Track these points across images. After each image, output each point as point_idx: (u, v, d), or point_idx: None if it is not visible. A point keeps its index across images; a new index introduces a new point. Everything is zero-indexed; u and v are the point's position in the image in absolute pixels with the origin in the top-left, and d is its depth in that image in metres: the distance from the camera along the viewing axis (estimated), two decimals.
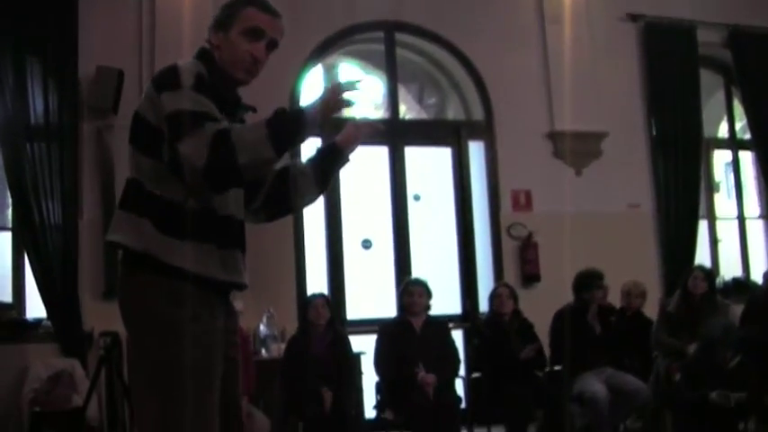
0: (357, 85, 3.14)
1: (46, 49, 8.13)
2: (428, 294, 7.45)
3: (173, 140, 2.99)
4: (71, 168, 8.12)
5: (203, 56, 3.26)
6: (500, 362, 7.36)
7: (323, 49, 9.23)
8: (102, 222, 8.04)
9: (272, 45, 3.31)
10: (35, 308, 8.18)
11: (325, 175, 3.44)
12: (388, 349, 7.15)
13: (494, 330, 7.56)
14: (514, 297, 7.76)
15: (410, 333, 7.28)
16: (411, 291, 7.38)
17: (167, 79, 3.08)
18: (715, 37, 10.73)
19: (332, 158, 3.44)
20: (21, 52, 8.06)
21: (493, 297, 7.81)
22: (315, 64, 9.38)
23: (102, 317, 7.73)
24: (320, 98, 3.10)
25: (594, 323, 7.60)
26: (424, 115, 10.60)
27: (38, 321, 8.09)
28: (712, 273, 8.43)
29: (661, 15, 10.31)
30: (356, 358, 7.53)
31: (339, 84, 3.14)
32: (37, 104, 8.09)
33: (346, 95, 3.12)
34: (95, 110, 8.20)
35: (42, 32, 8.11)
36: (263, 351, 7.70)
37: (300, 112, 3.10)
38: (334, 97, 3.10)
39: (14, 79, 8.01)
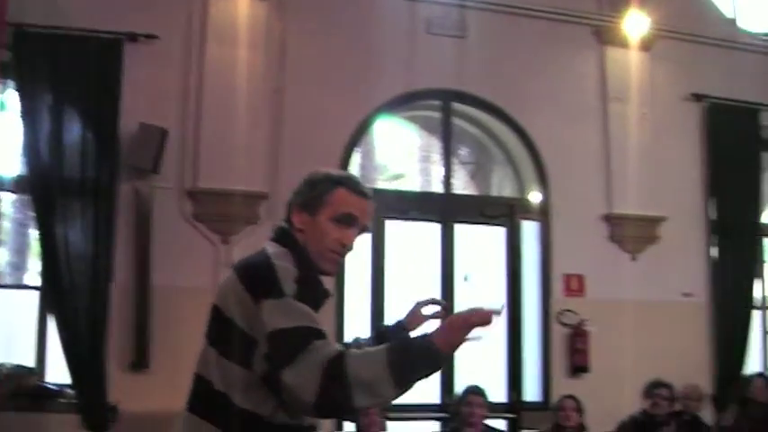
0: (498, 312, 2.61)
1: (86, 101, 7.69)
2: (487, 404, 6.98)
3: (275, 366, 2.58)
4: (105, 229, 7.64)
5: (289, 242, 2.88)
6: None
7: (380, 112, 8.82)
8: (135, 288, 7.62)
9: (363, 230, 2.96)
10: (57, 375, 7.69)
11: (408, 377, 2.55)
12: None
13: None
14: (580, 410, 7.28)
15: None
16: (471, 401, 6.91)
17: (265, 283, 2.68)
18: None
19: (422, 359, 2.54)
20: (59, 102, 7.61)
21: (557, 409, 7.35)
22: (370, 125, 9.00)
23: (129, 390, 7.43)
24: (452, 327, 2.56)
25: None
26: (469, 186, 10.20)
27: (60, 389, 7.60)
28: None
29: (725, 96, 9.89)
30: None
31: (480, 314, 2.56)
32: (73, 158, 7.62)
33: (482, 328, 2.57)
34: (135, 169, 7.72)
35: (83, 83, 7.68)
36: None
37: (429, 347, 2.53)
38: (470, 328, 2.55)
39: (50, 130, 7.56)
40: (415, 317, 3.28)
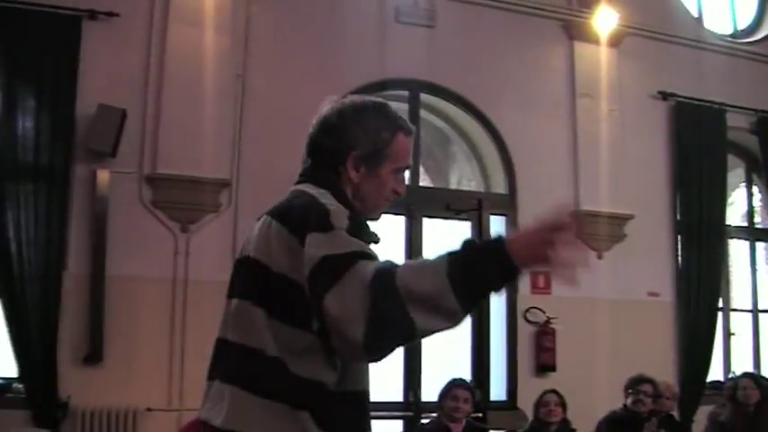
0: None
1: (43, 80, 7.35)
2: (473, 398, 6.73)
3: (316, 297, 2.20)
4: (59, 214, 7.29)
5: (328, 183, 2.51)
6: None
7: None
8: (90, 276, 7.25)
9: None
10: (5, 368, 7.27)
11: (475, 287, 2.19)
12: None
13: None
14: (563, 405, 7.07)
15: None
16: (456, 395, 6.66)
17: (314, 220, 2.32)
18: (742, 122, 10.31)
19: (491, 265, 2.18)
20: (13, 79, 7.27)
21: (539, 405, 7.12)
22: None
23: (82, 385, 7.08)
24: (534, 230, 2.21)
25: None
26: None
27: (8, 383, 7.20)
28: (760, 380, 7.90)
29: (692, 96, 9.82)
30: None
31: (565, 217, 2.22)
32: (27, 140, 7.25)
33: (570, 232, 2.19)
34: (92, 152, 7.34)
35: (41, 60, 7.32)
36: None
37: (500, 250, 2.17)
38: (555, 232, 2.18)
39: (3, 110, 7.19)
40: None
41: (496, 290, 2.20)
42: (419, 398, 8.22)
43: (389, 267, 2.17)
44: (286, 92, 8.00)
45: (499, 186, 9.13)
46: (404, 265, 2.21)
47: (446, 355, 8.50)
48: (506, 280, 2.19)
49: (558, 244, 2.17)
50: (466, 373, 8.52)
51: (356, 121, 2.56)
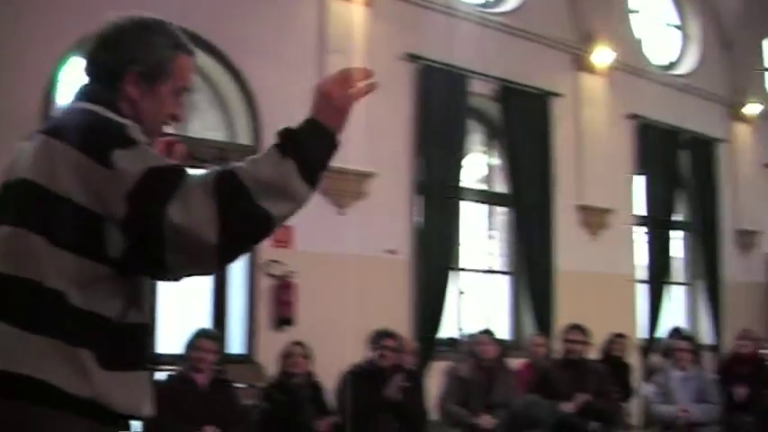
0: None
1: None
2: (219, 349, 6.65)
3: (153, 209, 2.04)
4: None
5: (111, 105, 2.31)
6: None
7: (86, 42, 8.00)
8: None
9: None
10: None
11: (311, 161, 2.18)
12: (166, 409, 6.21)
13: (285, 395, 6.87)
14: (307, 357, 7.12)
15: (193, 392, 6.40)
16: (199, 345, 6.52)
17: (108, 136, 2.15)
18: (485, 89, 10.68)
19: (314, 137, 2.22)
20: None
21: (285, 356, 7.12)
22: (75, 55, 8.25)
23: None
24: (320, 93, 2.28)
25: (396, 393, 7.14)
26: None
27: None
28: (496, 337, 8.25)
29: (439, 60, 10.06)
30: None
31: (348, 71, 2.32)
32: None
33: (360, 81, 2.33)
34: None
35: None
36: None
37: (315, 124, 2.23)
38: (345, 88, 2.30)
39: None
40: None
41: (328, 159, 2.24)
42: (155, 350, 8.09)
43: (224, 169, 2.11)
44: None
45: (244, 137, 9.05)
46: (236, 164, 2.13)
47: (184, 307, 8.38)
48: (332, 145, 2.24)
49: (349, 93, 2.31)
50: (205, 326, 8.46)
51: (137, 35, 2.39)
